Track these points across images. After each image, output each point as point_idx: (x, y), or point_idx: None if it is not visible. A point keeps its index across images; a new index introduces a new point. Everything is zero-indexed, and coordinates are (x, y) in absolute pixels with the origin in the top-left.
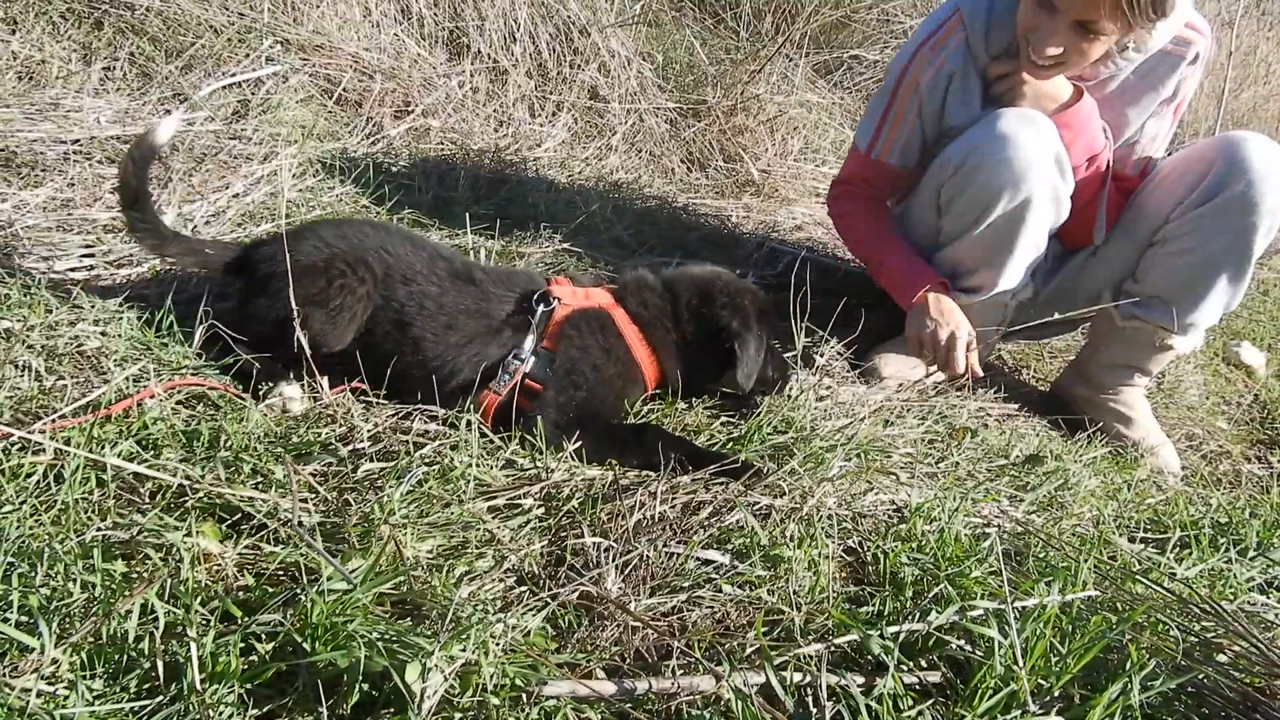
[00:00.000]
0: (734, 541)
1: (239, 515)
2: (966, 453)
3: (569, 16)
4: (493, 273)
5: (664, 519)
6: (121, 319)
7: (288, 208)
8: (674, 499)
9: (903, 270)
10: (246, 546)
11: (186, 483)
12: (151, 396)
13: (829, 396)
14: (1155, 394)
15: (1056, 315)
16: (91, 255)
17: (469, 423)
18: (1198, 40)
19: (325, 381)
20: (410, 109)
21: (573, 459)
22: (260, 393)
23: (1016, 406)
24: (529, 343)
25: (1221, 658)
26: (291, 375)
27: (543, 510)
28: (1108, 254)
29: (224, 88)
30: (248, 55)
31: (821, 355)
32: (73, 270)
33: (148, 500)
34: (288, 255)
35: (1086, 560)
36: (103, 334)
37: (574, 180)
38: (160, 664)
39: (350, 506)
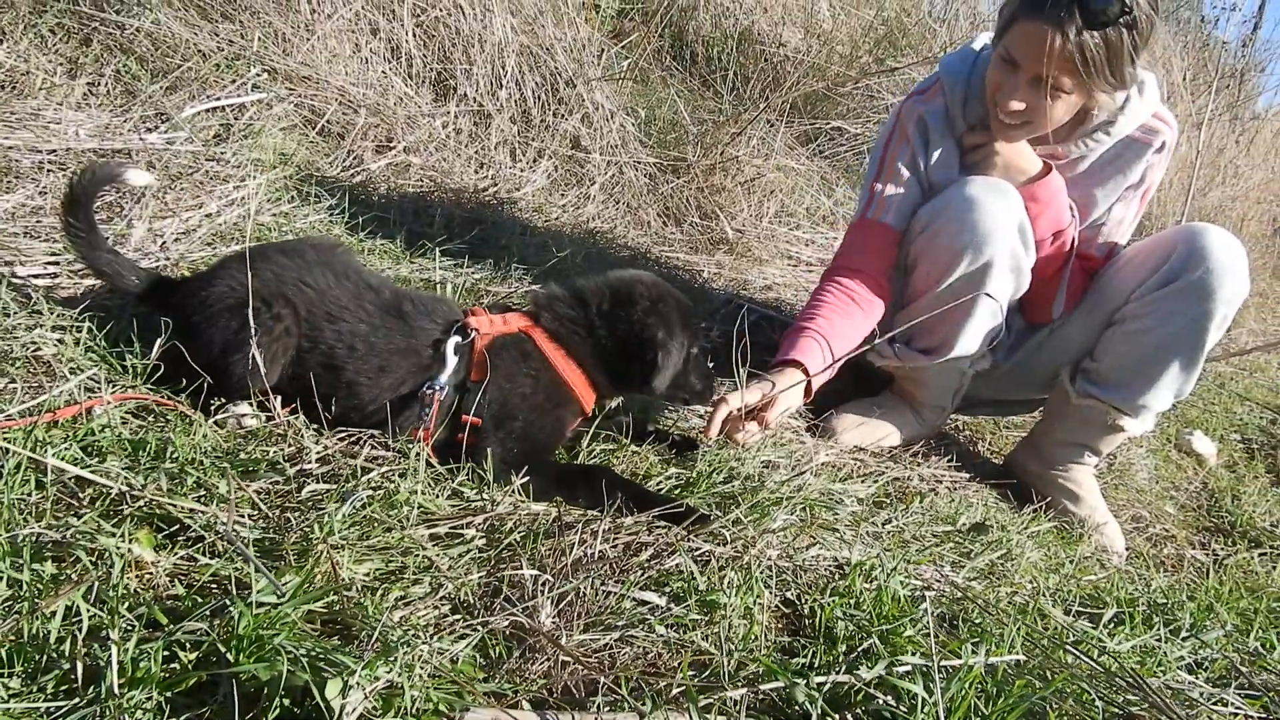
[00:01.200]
0: (672, 584)
1: (177, 526)
2: (914, 516)
3: (556, 67)
4: (419, 302)
5: (604, 557)
6: (81, 328)
7: (259, 230)
8: (616, 539)
9: (795, 339)
10: (181, 557)
11: (127, 490)
12: (101, 405)
13: (782, 448)
14: (1106, 474)
15: (1014, 395)
16: (56, 263)
17: (418, 452)
18: (1165, 130)
19: (278, 401)
20: (392, 144)
21: (520, 494)
22: (211, 409)
23: (968, 476)
24: (445, 374)
25: None
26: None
27: (484, 541)
28: (1068, 332)
29: (207, 110)
30: (234, 81)
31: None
32: (35, 276)
33: (87, 505)
34: (204, 291)
35: (1018, 626)
36: (59, 341)
37: (550, 225)
38: (80, 666)
39: (291, 525)
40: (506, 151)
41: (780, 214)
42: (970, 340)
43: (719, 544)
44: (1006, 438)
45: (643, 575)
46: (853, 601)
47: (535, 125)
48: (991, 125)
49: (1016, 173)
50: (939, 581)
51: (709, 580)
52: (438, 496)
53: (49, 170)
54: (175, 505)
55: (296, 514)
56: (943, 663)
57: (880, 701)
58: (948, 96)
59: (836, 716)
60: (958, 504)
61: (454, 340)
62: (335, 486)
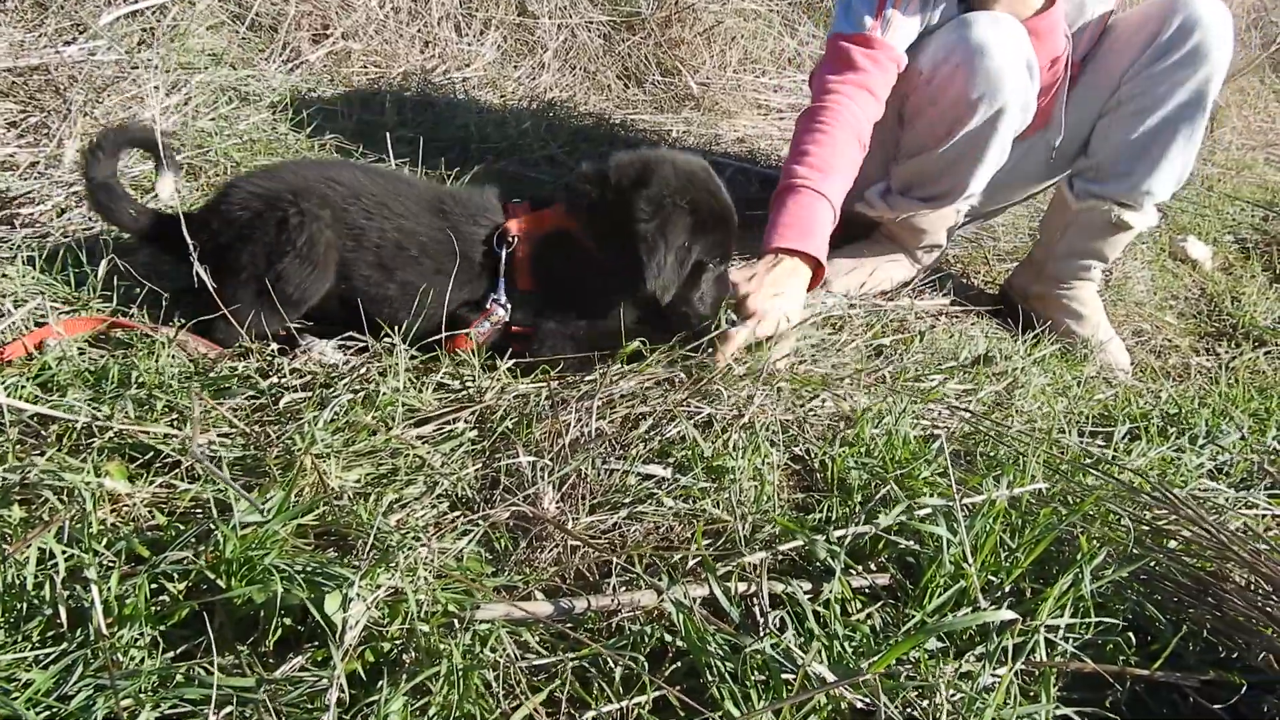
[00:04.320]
0: (676, 454)
1: (151, 454)
2: (915, 356)
3: None
4: (458, 200)
5: (602, 434)
6: (19, 258)
7: (201, 137)
8: (612, 414)
9: (792, 214)
10: (159, 486)
11: (91, 421)
12: (53, 337)
13: None
14: (1104, 291)
15: (996, 205)
16: None
17: (395, 347)
18: None
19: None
20: (329, 32)
21: (506, 376)
22: (291, 354)
23: (964, 309)
24: (502, 288)
25: (1172, 544)
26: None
27: (476, 433)
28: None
29: (126, 16)
30: None
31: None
32: None
33: (53, 443)
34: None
35: (1035, 455)
36: (1, 275)
37: (506, 101)
38: (63, 610)
39: (271, 439)
40: (450, 26)
41: (745, 62)
42: (979, 182)
43: (719, 406)
44: (999, 270)
45: (645, 448)
46: (863, 450)
47: None
48: None
49: (1022, 6)
50: (949, 418)
51: (713, 445)
52: (421, 392)
53: None
54: (145, 432)
55: (276, 427)
56: (963, 500)
57: (902, 546)
58: None
59: (859, 567)
60: (958, 339)
61: (504, 253)
62: (313, 395)
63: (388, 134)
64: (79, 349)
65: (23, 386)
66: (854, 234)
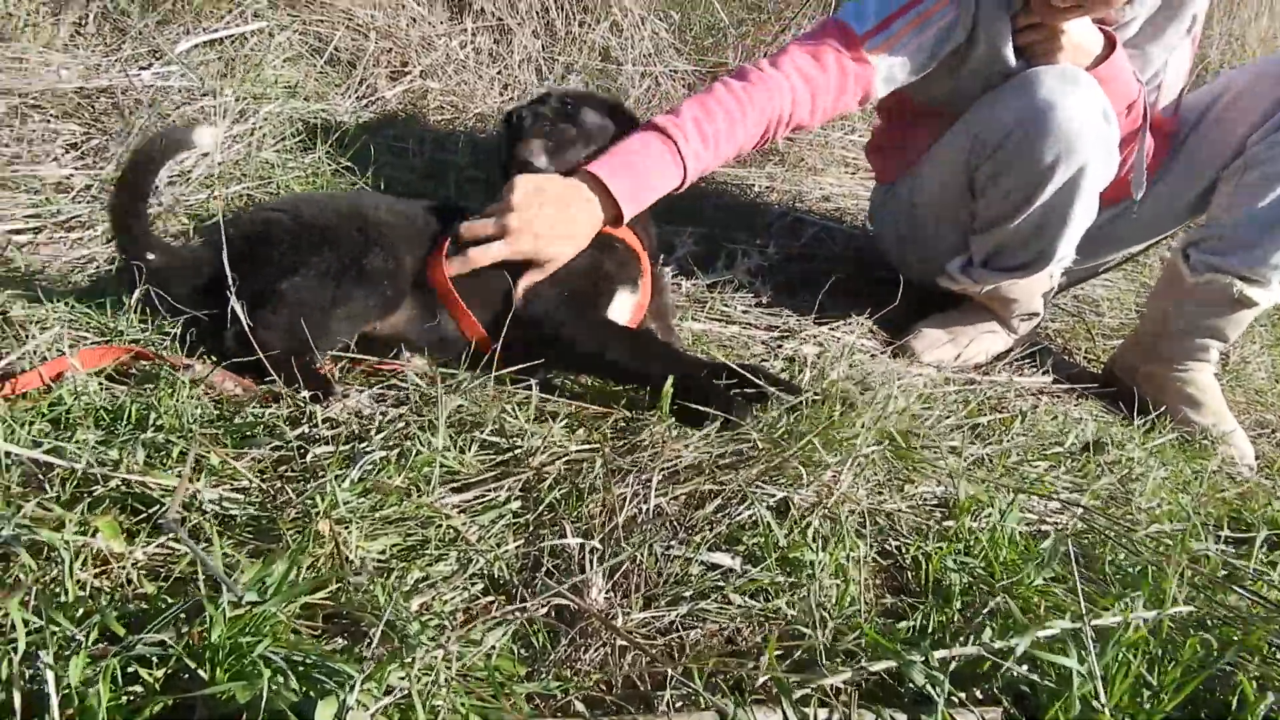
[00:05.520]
0: (746, 541)
1: (156, 507)
2: (1016, 439)
3: None
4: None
5: (662, 514)
6: (67, 287)
7: (263, 168)
8: (675, 489)
9: (623, 150)
10: (159, 546)
11: (90, 469)
12: (70, 369)
13: (857, 371)
14: (1219, 375)
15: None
16: (38, 216)
17: (439, 398)
18: None
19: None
20: (408, 70)
21: (560, 435)
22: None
23: (1067, 388)
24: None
25: None
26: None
27: (520, 504)
28: (1152, 206)
29: (204, 44)
30: (231, 10)
31: (851, 331)
32: (15, 233)
33: (58, 487)
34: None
35: (1172, 566)
36: (34, 300)
37: None
38: (18, 695)
39: (290, 498)
40: (531, 69)
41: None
42: (1069, 246)
43: (797, 486)
44: (1103, 346)
45: (711, 532)
46: (962, 547)
47: (560, 38)
48: (1035, 9)
49: (1083, 55)
50: (1060, 514)
51: (789, 532)
52: (464, 451)
53: (24, 115)
54: (146, 484)
55: (298, 484)
56: (1093, 622)
57: (1015, 674)
58: None
59: (963, 694)
60: (1063, 420)
61: None
62: (344, 448)
63: (458, 173)
64: (100, 383)
65: (32, 423)
66: (943, 303)
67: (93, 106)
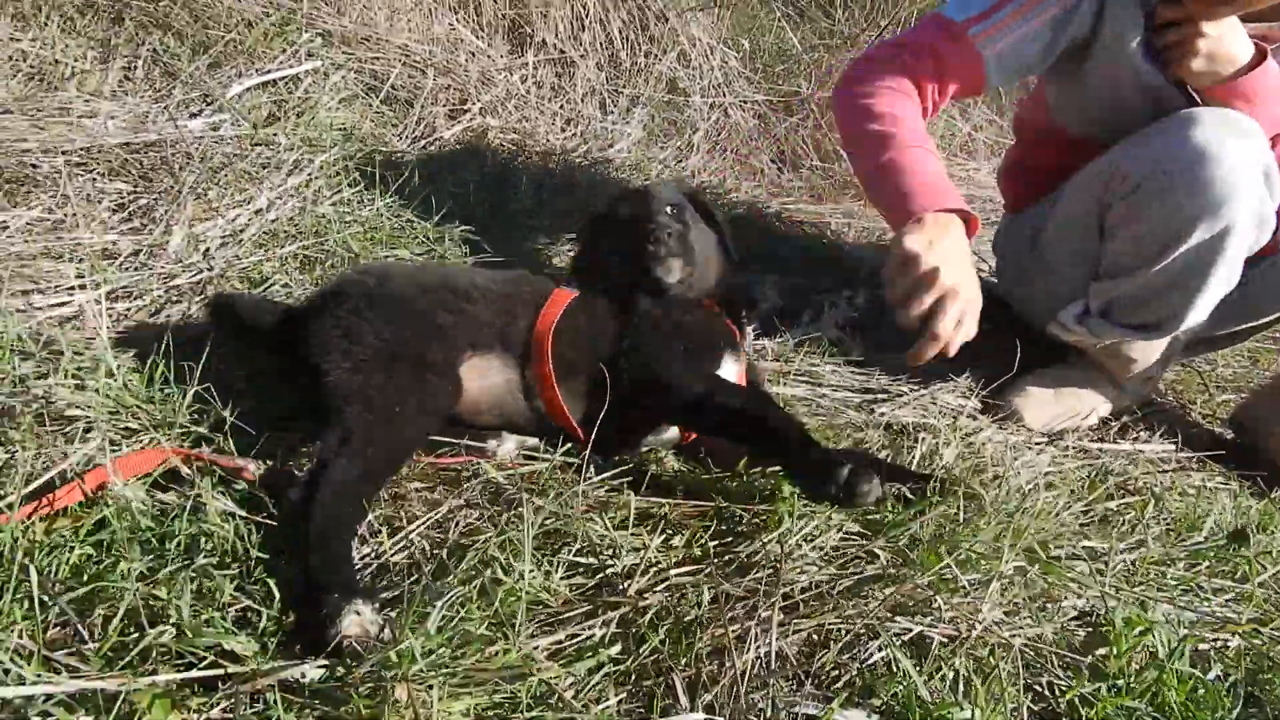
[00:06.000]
0: (881, 692)
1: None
2: (1150, 527)
3: (644, 0)
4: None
5: (782, 657)
6: (115, 370)
7: (320, 224)
8: (795, 627)
9: (920, 175)
10: (223, 709)
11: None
12: (110, 479)
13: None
14: None
15: (1221, 330)
16: (82, 287)
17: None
18: None
19: None
20: (467, 107)
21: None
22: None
23: (1188, 454)
24: None
25: None
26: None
27: (619, 649)
28: None
29: (256, 87)
30: (284, 50)
31: (953, 390)
32: (57, 306)
33: (99, 630)
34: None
35: None
36: (78, 387)
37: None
38: None
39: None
40: (595, 103)
41: None
42: (1201, 313)
43: (931, 617)
44: (1219, 401)
45: (839, 681)
46: (1122, 686)
47: (625, 70)
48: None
49: (1224, 62)
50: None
51: (929, 678)
52: (549, 573)
53: (72, 174)
54: (194, 649)
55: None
56: None
57: None
58: None
59: None
60: (1196, 499)
61: None
62: (416, 581)
63: (527, 223)
64: (146, 492)
65: (72, 548)
66: (1047, 357)
67: (140, 162)
